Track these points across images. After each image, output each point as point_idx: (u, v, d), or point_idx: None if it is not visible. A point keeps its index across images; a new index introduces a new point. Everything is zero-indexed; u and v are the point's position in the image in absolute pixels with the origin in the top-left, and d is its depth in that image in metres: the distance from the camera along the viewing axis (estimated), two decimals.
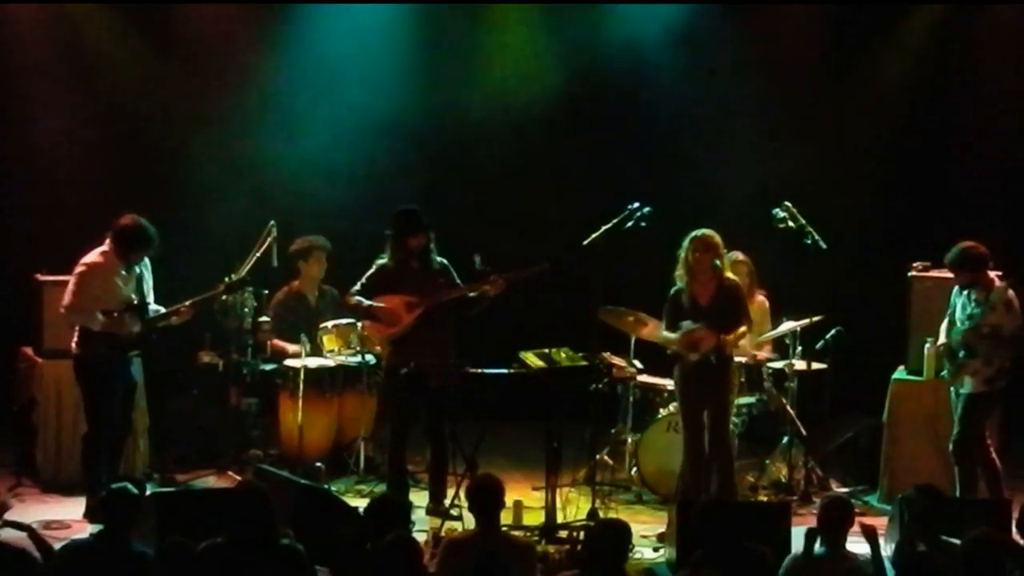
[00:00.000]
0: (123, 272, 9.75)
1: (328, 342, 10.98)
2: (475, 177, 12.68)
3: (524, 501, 9.78)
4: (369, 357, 10.90)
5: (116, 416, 9.80)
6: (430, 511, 9.78)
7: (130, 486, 7.50)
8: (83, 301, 9.67)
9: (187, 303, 10.00)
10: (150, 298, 9.95)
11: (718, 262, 9.60)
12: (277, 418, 11.05)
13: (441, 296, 9.87)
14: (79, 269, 9.75)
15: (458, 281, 9.96)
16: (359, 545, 7.28)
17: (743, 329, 9.73)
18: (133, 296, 9.77)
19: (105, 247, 9.76)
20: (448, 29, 12.64)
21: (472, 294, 9.84)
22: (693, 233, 9.64)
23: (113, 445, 9.88)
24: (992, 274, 9.70)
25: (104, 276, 9.71)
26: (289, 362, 10.96)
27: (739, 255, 10.55)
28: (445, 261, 10.03)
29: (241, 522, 7.07)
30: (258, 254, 10.59)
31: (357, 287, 10.03)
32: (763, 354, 10.79)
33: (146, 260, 9.92)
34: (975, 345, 9.57)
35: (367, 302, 9.97)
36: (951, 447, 9.74)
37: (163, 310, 9.93)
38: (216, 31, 12.46)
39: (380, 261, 10.01)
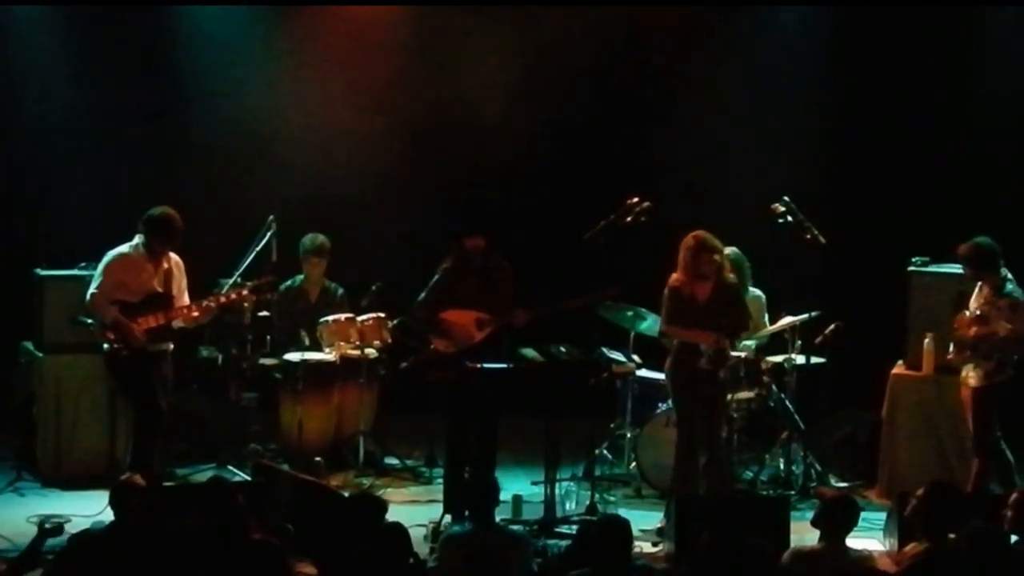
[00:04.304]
0: (148, 264, 9.80)
1: (328, 336, 10.99)
2: (477, 175, 12.64)
3: (523, 495, 9.81)
4: (369, 351, 10.92)
5: (157, 406, 9.81)
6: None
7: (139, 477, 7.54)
8: (105, 288, 9.72)
9: (206, 303, 9.99)
10: (184, 299, 9.97)
11: (717, 257, 9.60)
12: (276, 413, 11.07)
13: (516, 319, 9.62)
14: (105, 258, 9.84)
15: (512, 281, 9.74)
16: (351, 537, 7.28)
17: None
18: (158, 287, 9.81)
19: (135, 239, 9.83)
20: (451, 28, 12.63)
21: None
22: (691, 234, 9.61)
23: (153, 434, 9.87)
24: (1005, 274, 9.71)
25: (127, 264, 9.78)
26: (289, 356, 10.98)
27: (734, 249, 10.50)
28: (508, 264, 9.80)
29: (208, 516, 7.08)
30: (257, 248, 10.61)
31: (423, 297, 9.72)
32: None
33: (179, 261, 9.97)
34: (975, 342, 9.59)
35: (437, 318, 9.67)
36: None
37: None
38: (214, 30, 12.50)
39: (444, 266, 9.73)
